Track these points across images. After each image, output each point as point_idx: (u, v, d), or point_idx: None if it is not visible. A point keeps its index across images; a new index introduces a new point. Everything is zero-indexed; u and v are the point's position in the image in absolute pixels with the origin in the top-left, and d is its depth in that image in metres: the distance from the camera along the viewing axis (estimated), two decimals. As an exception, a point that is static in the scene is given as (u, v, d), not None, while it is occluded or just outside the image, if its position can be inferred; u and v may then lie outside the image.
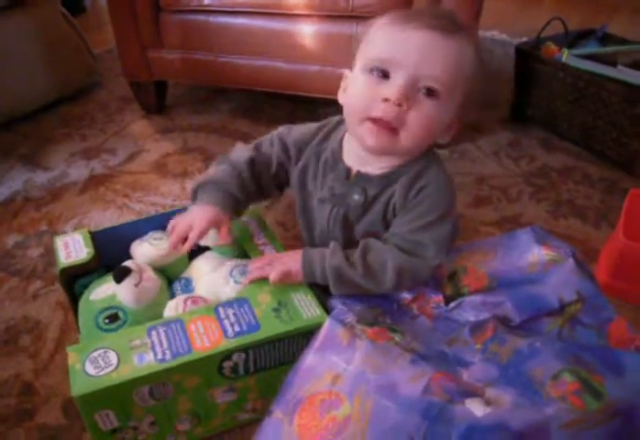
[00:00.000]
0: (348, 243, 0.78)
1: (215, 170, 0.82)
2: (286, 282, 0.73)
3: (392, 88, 0.65)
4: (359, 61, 0.70)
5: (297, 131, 0.82)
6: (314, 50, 1.36)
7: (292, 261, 0.73)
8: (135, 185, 1.35)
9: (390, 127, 0.67)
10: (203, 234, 0.74)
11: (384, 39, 0.67)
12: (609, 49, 1.50)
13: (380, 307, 0.73)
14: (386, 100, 0.65)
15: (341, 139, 0.78)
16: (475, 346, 0.67)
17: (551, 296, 0.71)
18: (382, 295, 0.74)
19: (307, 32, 1.36)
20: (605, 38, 1.60)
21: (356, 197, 0.75)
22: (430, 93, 0.66)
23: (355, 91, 0.70)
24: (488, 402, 0.58)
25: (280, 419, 0.63)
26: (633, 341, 0.69)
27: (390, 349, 0.63)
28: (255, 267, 0.74)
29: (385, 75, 0.66)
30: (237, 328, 0.68)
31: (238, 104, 1.73)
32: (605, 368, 0.61)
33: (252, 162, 0.81)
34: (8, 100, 1.58)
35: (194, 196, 0.80)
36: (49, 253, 1.11)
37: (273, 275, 0.71)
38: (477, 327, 0.69)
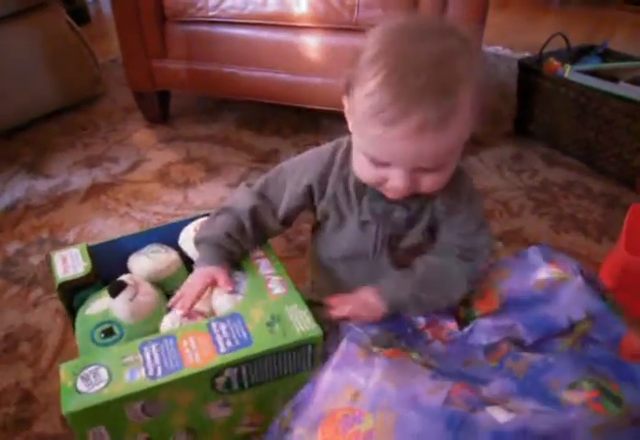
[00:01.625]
0: (392, 261, 0.78)
1: (213, 224, 0.79)
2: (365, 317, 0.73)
3: (395, 181, 0.63)
4: (354, 130, 0.66)
5: (310, 166, 0.76)
6: (318, 62, 1.37)
7: (370, 296, 0.74)
8: (137, 194, 1.35)
9: (405, 195, 0.66)
10: (198, 297, 0.75)
11: (373, 146, 0.62)
12: (611, 65, 1.51)
13: (395, 332, 0.73)
14: (394, 189, 0.65)
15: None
16: (490, 364, 0.68)
17: (561, 316, 0.71)
18: (396, 320, 0.74)
19: (311, 44, 1.37)
20: (606, 54, 1.61)
21: (397, 214, 0.73)
22: (434, 169, 0.64)
23: (358, 166, 0.67)
24: (510, 410, 0.57)
25: (301, 435, 0.62)
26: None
27: (408, 365, 0.64)
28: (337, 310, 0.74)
29: (385, 164, 0.63)
30: (229, 343, 0.67)
31: (242, 115, 1.73)
32: (620, 379, 0.61)
33: (255, 212, 0.78)
34: (13, 108, 1.59)
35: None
36: (50, 263, 1.10)
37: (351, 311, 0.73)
38: (490, 349, 0.70)
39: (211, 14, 1.41)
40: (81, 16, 2.50)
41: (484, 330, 0.73)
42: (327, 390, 0.64)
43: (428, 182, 0.65)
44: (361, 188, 0.73)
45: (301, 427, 0.63)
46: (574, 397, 0.59)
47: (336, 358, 0.66)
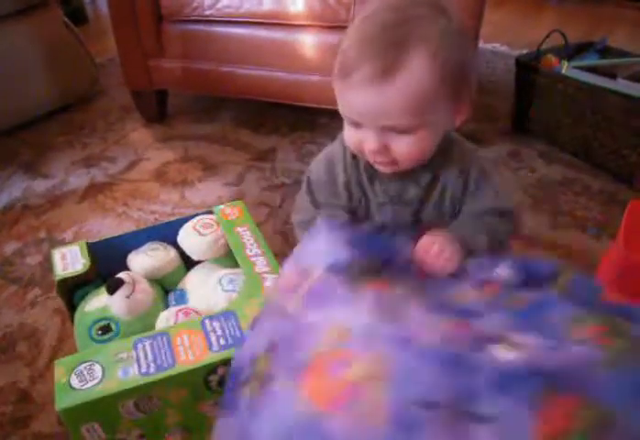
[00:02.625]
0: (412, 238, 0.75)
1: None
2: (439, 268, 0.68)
3: (368, 141, 0.65)
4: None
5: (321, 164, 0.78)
6: (314, 61, 1.37)
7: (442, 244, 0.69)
8: (135, 193, 1.35)
9: (387, 162, 0.68)
10: None
11: (338, 98, 0.66)
12: (608, 61, 1.51)
13: (382, 257, 0.67)
14: (370, 152, 0.66)
15: None
16: (485, 298, 0.63)
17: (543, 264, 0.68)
18: (386, 245, 0.69)
19: (308, 42, 1.37)
20: (605, 51, 1.61)
21: (411, 192, 0.74)
22: (402, 131, 0.64)
23: (345, 132, 0.69)
24: (512, 347, 0.52)
25: (285, 385, 0.55)
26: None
27: (397, 299, 0.59)
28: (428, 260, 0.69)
29: (359, 125, 0.65)
30: (222, 342, 0.67)
31: (239, 114, 1.73)
32: (622, 318, 0.58)
33: None
34: (11, 107, 1.59)
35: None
36: (48, 261, 1.10)
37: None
38: (483, 283, 0.65)
39: (207, 13, 1.41)
40: (78, 16, 2.51)
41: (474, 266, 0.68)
42: (309, 331, 0.58)
43: (402, 147, 0.65)
44: (372, 171, 0.73)
45: (283, 376, 0.56)
46: (580, 332, 0.55)
47: (312, 294, 0.60)
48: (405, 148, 0.65)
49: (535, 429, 0.47)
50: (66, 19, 1.74)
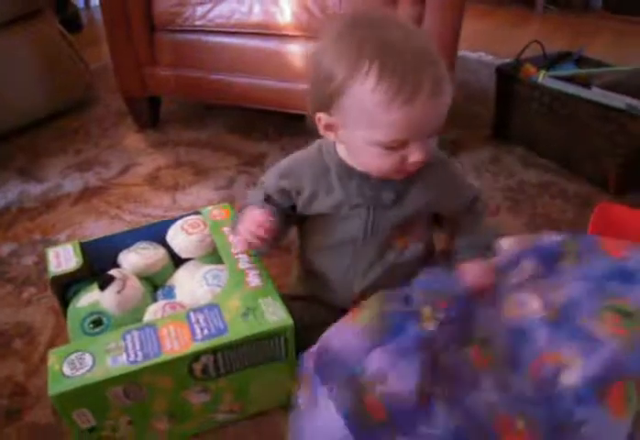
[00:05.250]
0: (380, 243, 0.82)
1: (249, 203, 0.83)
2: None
3: (418, 154, 0.69)
4: (359, 132, 0.69)
5: (277, 172, 0.82)
6: (302, 69, 1.42)
7: (483, 266, 0.82)
8: (127, 197, 1.39)
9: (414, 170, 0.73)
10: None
11: (395, 129, 0.67)
12: (584, 71, 1.56)
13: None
14: (416, 163, 0.70)
15: (340, 160, 0.78)
16: (534, 315, 0.77)
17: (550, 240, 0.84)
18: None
19: (295, 52, 1.42)
20: (581, 61, 1.66)
21: (385, 196, 0.78)
22: (431, 135, 0.71)
23: (371, 159, 0.72)
24: (570, 368, 0.71)
25: None
26: (623, 248, 0.81)
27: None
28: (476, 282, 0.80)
29: (402, 144, 0.69)
30: (205, 332, 0.72)
31: (230, 120, 1.78)
32: (623, 284, 0.76)
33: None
34: (6, 113, 1.62)
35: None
36: (43, 261, 1.14)
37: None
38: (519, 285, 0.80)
39: (198, 23, 1.46)
40: (73, 23, 2.55)
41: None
42: None
43: (429, 148, 0.71)
44: (345, 178, 0.77)
45: None
46: (603, 329, 0.73)
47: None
48: (430, 149, 0.72)
49: (609, 412, 0.68)
50: (60, 27, 1.79)
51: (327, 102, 0.69)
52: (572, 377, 0.72)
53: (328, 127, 0.73)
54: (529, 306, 0.78)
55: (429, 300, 0.75)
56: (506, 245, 0.85)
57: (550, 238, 0.84)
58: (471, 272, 0.80)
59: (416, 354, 0.69)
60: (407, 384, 0.68)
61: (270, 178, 0.82)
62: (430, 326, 0.72)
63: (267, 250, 0.83)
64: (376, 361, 0.69)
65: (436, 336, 0.72)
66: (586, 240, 0.84)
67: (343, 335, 0.72)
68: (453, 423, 0.67)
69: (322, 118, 0.72)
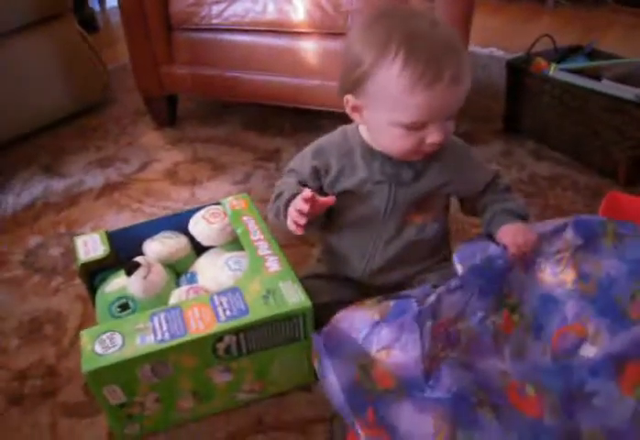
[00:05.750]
0: (401, 219, 0.86)
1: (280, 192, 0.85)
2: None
3: (436, 135, 0.74)
4: (382, 113, 0.74)
5: (308, 154, 0.86)
6: (315, 66, 1.46)
7: (521, 226, 0.82)
8: (147, 191, 1.44)
9: (433, 150, 0.78)
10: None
11: (417, 111, 0.72)
12: (594, 63, 1.58)
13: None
14: (433, 144, 0.75)
15: (363, 141, 0.84)
16: (566, 285, 0.80)
17: (592, 221, 0.84)
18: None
19: (309, 48, 1.45)
20: (593, 54, 1.68)
21: (404, 174, 0.83)
22: (450, 117, 0.75)
23: (393, 140, 0.77)
24: (592, 342, 0.76)
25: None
26: None
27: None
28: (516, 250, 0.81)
29: (422, 125, 0.74)
30: (228, 313, 0.76)
31: (245, 117, 1.82)
32: None
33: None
34: (29, 113, 1.68)
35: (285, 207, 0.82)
36: (69, 252, 1.20)
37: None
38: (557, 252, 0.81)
39: (214, 22, 1.50)
40: (90, 24, 2.60)
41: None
42: None
43: (448, 130, 0.76)
44: (369, 157, 0.83)
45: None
46: (634, 311, 0.76)
47: None
48: (449, 131, 0.76)
49: (620, 388, 0.72)
50: (80, 28, 1.83)
51: (355, 85, 0.75)
52: (592, 350, 0.75)
53: (355, 109, 0.78)
54: (565, 276, 0.80)
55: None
56: (541, 227, 0.85)
57: (588, 217, 0.85)
58: (511, 234, 0.80)
59: (415, 326, 0.72)
60: (411, 355, 0.71)
61: (303, 161, 0.86)
62: (429, 300, 0.74)
63: (315, 228, 0.86)
64: (381, 337, 0.73)
65: (440, 306, 0.74)
66: (626, 226, 0.84)
67: (349, 317, 0.76)
68: (457, 386, 0.70)
69: (349, 100, 0.78)
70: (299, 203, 0.75)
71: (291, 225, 0.78)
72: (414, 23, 0.72)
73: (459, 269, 0.78)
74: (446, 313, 0.75)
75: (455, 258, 0.80)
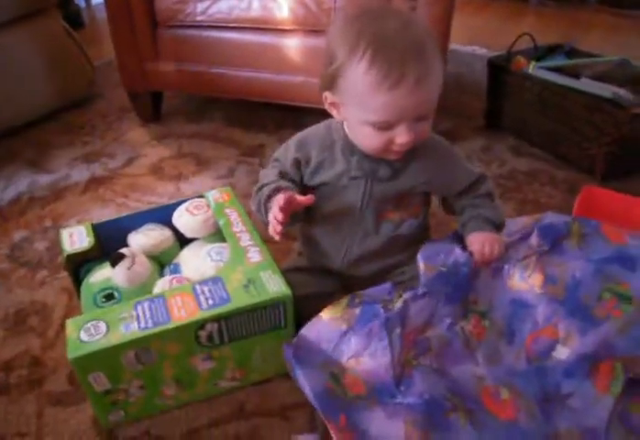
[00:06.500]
0: (376, 214, 0.88)
1: (262, 185, 0.87)
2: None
3: (404, 136, 0.75)
4: (354, 112, 0.76)
5: (291, 145, 0.88)
6: (299, 62, 1.48)
7: (490, 236, 0.84)
8: (133, 186, 1.45)
9: (405, 150, 0.79)
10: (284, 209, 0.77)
11: (382, 111, 0.73)
12: (572, 62, 1.62)
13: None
14: (402, 144, 0.76)
15: (345, 136, 0.85)
16: (535, 290, 0.82)
17: (558, 222, 0.86)
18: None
19: (293, 45, 1.47)
20: (572, 53, 1.72)
21: (382, 171, 0.84)
22: (423, 118, 0.76)
23: (364, 138, 0.79)
24: (564, 343, 0.78)
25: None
26: (624, 235, 0.85)
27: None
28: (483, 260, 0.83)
29: (391, 125, 0.75)
30: (210, 302, 0.78)
31: (230, 113, 1.84)
32: (625, 270, 0.81)
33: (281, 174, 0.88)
34: (14, 108, 1.69)
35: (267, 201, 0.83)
36: (54, 246, 1.21)
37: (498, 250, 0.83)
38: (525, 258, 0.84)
39: (199, 18, 1.51)
40: (75, 20, 2.60)
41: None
42: None
43: (422, 131, 0.77)
44: (348, 152, 0.84)
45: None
46: (601, 310, 0.79)
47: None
48: (423, 131, 0.77)
49: (595, 387, 0.75)
50: (65, 24, 1.84)
51: (331, 82, 0.77)
52: (565, 351, 0.77)
53: (332, 105, 0.81)
54: (533, 280, 0.82)
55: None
56: (513, 225, 0.88)
57: (556, 217, 0.87)
58: (479, 242, 0.82)
59: (384, 333, 0.74)
60: (381, 361, 0.73)
61: (286, 152, 0.88)
62: (396, 307, 0.76)
63: (293, 224, 0.86)
64: (351, 345, 0.75)
65: (408, 313, 0.76)
66: (590, 224, 0.86)
67: (317, 327, 0.77)
68: (430, 391, 0.72)
69: (327, 97, 0.80)
70: (276, 211, 0.77)
71: (270, 231, 0.79)
72: (386, 23, 0.73)
73: (422, 267, 0.79)
74: (414, 319, 0.77)
75: (419, 256, 0.81)
